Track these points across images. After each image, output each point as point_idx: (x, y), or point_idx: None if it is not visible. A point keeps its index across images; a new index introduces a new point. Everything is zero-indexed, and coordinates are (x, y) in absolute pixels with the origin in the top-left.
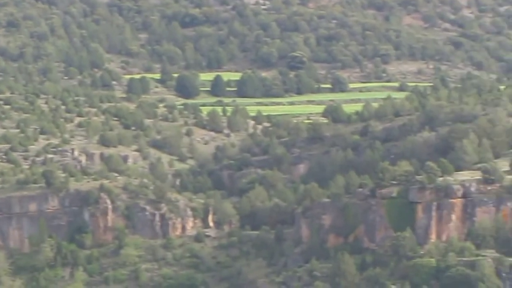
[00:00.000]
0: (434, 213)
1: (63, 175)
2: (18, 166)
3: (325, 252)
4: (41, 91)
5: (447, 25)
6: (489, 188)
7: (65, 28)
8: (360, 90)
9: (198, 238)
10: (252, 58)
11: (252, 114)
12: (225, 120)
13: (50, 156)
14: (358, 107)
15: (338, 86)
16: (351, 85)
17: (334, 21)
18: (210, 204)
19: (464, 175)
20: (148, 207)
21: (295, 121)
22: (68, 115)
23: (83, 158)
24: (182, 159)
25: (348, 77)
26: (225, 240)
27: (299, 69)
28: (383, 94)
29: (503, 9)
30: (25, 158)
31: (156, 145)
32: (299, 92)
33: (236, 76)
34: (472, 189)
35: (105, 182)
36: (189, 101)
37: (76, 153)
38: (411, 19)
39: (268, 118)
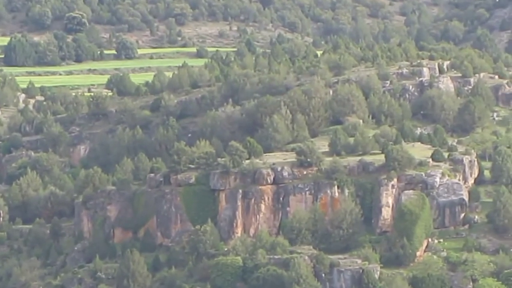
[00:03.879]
0: (240, 203)
1: None
2: None
3: (111, 249)
4: None
5: None
6: (305, 172)
7: None
8: (151, 56)
9: None
10: (22, 20)
11: (23, 86)
12: None
13: None
14: (149, 77)
15: (125, 52)
16: (140, 51)
17: None
18: None
19: (276, 157)
20: None
21: (74, 94)
22: None
23: None
24: None
25: (136, 41)
26: None
27: (78, 32)
28: (178, 62)
29: None
30: None
31: None
32: (78, 60)
33: (3, 41)
34: (285, 173)
35: None
36: None
37: None
38: None
39: (42, 90)
